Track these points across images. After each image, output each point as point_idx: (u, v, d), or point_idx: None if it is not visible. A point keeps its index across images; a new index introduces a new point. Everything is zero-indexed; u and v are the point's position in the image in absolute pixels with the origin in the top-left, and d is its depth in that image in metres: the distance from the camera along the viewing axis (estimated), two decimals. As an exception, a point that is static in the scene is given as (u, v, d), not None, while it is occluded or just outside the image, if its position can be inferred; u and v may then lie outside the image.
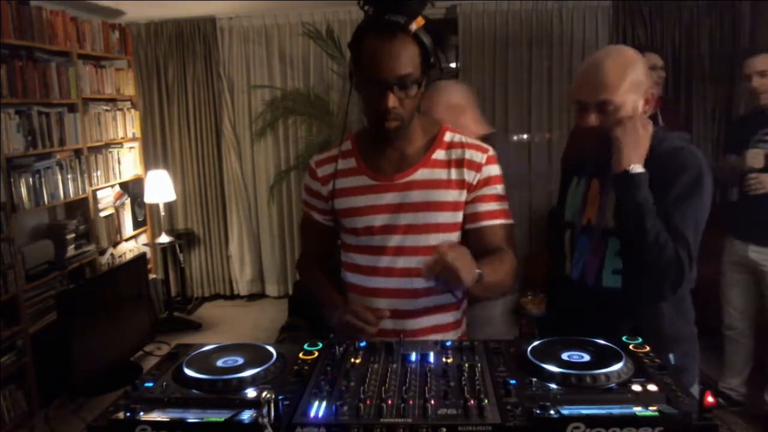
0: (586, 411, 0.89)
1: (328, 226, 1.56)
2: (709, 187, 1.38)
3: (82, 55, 4.08)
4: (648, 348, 1.13)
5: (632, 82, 1.39)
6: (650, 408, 0.90)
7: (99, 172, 4.20)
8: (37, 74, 3.57)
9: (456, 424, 0.89)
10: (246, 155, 4.96)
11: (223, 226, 5.06)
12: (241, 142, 4.93)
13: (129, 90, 4.79)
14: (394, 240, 1.44)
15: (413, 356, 1.13)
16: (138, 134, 4.87)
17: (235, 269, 5.11)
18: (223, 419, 0.91)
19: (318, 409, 0.95)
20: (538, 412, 0.88)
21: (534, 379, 1.01)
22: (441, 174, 1.43)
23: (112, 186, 4.42)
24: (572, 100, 1.48)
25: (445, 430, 0.88)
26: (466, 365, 1.06)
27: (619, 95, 1.38)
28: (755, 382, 2.95)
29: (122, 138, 4.60)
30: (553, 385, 0.99)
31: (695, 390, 1.22)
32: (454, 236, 1.46)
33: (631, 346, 1.14)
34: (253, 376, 1.05)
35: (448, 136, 1.47)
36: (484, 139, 1.59)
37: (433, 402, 0.94)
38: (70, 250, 3.78)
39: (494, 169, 1.46)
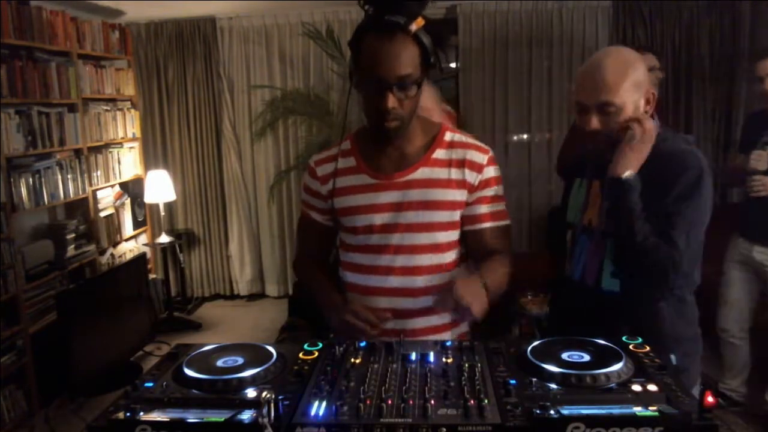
0: (586, 411, 0.89)
1: (327, 226, 1.56)
2: (708, 189, 1.38)
3: (82, 55, 4.08)
4: (648, 348, 1.13)
5: (633, 82, 1.39)
6: (650, 408, 0.90)
7: (99, 172, 4.20)
8: (37, 74, 3.57)
9: (456, 424, 0.89)
10: (246, 155, 4.96)
11: (223, 226, 5.06)
12: (241, 142, 4.93)
13: (129, 90, 4.79)
14: (394, 239, 1.44)
15: (413, 356, 1.13)
16: (138, 134, 4.87)
17: (235, 269, 5.11)
18: (223, 419, 0.91)
19: (318, 409, 0.95)
20: (538, 412, 0.88)
21: (534, 379, 1.01)
22: (441, 173, 1.44)
23: (112, 186, 4.42)
24: (573, 102, 1.48)
25: (445, 430, 0.88)
26: (466, 365, 1.06)
27: (619, 96, 1.38)
28: (756, 383, 2.94)
29: (122, 138, 4.60)
30: (553, 385, 0.99)
31: (697, 391, 1.22)
32: (453, 235, 1.46)
33: (631, 346, 1.14)
34: (253, 376, 1.05)
35: (448, 136, 1.47)
36: None
37: (433, 402, 0.94)
38: (70, 250, 3.78)
39: (494, 170, 1.47)
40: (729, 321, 2.88)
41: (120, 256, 4.42)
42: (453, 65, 4.80)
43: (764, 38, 4.24)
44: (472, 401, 0.93)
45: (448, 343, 1.18)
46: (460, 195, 1.44)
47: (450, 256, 1.47)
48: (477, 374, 1.02)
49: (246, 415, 0.91)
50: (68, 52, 3.89)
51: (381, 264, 1.45)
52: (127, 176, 4.65)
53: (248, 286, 5.14)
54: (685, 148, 1.41)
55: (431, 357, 1.12)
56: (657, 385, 0.97)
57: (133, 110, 4.81)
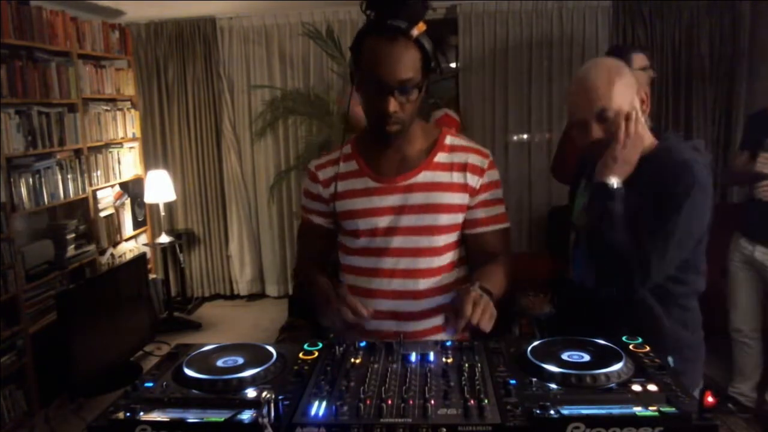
0: (586, 411, 0.89)
1: (329, 229, 1.56)
2: (700, 203, 1.36)
3: (82, 55, 4.08)
4: (648, 348, 1.13)
5: (623, 84, 1.40)
6: (650, 408, 0.90)
7: (99, 172, 4.20)
8: (37, 74, 3.57)
9: (456, 424, 0.88)
10: (246, 155, 4.96)
11: (223, 226, 5.06)
12: (241, 142, 4.94)
13: (129, 90, 4.79)
14: (396, 242, 1.44)
15: (413, 356, 1.12)
16: (138, 134, 4.87)
17: (235, 269, 5.11)
18: (223, 419, 0.90)
19: (318, 409, 0.94)
20: (538, 412, 0.88)
21: (534, 379, 1.01)
22: (443, 177, 1.44)
23: (112, 186, 4.42)
24: (572, 122, 1.48)
25: (445, 430, 0.88)
26: (466, 365, 1.06)
27: (614, 99, 1.39)
28: (765, 386, 2.90)
29: (122, 138, 4.60)
30: (553, 385, 0.99)
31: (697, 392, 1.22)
32: (455, 237, 1.47)
33: (631, 346, 1.14)
34: (253, 376, 1.05)
35: (448, 140, 1.49)
36: None
37: (433, 402, 0.94)
38: (70, 250, 3.78)
39: (495, 174, 1.48)
40: (741, 321, 2.87)
41: (120, 256, 4.42)
42: (453, 65, 4.80)
43: (764, 38, 4.24)
44: (472, 401, 0.93)
45: (448, 343, 1.18)
46: (461, 198, 1.45)
47: (451, 258, 1.48)
48: (477, 374, 1.02)
49: (246, 415, 0.91)
50: (68, 52, 3.89)
51: (383, 267, 1.45)
52: (127, 176, 4.65)
53: (248, 286, 5.14)
54: (686, 159, 1.38)
55: (431, 357, 1.12)
56: (657, 385, 0.97)
57: (133, 110, 4.81)
